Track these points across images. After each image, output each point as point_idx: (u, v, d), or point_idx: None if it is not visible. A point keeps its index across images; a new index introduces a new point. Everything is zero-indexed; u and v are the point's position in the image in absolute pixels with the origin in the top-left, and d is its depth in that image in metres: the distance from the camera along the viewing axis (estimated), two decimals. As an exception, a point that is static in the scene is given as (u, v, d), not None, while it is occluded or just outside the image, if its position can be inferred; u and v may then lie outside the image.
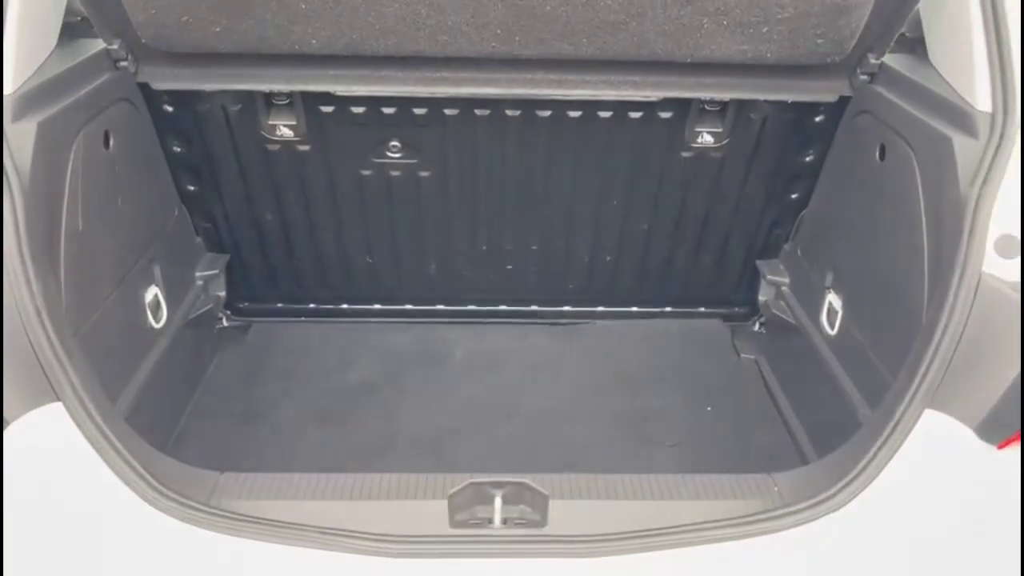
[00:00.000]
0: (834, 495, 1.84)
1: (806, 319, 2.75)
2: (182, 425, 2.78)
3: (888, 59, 2.38)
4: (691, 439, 2.79)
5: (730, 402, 2.97)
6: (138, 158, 2.48)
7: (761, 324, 3.35)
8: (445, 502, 1.86)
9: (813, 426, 2.68)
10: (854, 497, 1.84)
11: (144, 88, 2.46)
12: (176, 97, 2.57)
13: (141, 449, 1.90)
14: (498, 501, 1.91)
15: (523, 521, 1.90)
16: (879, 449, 1.84)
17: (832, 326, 2.58)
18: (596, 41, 2.24)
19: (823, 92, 2.47)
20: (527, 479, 1.90)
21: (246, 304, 3.29)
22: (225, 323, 3.32)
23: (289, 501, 1.90)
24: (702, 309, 3.34)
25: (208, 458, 2.63)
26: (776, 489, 1.97)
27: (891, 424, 1.86)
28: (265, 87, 2.45)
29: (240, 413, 2.86)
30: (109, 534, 1.83)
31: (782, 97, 2.47)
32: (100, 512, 1.84)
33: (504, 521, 1.90)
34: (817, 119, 2.64)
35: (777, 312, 2.94)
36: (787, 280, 2.96)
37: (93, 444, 1.80)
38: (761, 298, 3.06)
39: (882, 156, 2.31)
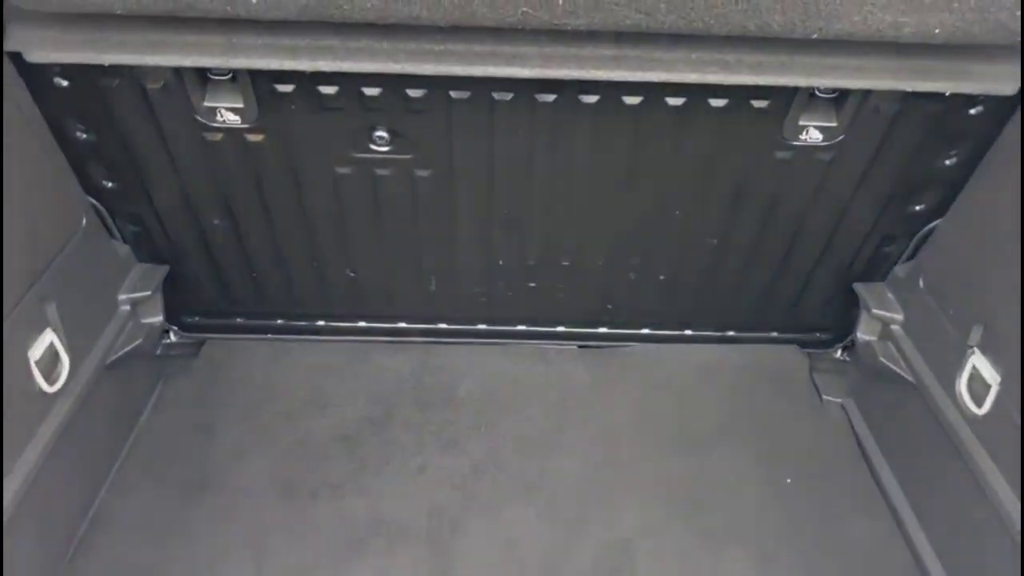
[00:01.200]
0: None
1: (932, 380, 2.05)
2: (99, 505, 2.11)
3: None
4: (768, 531, 2.13)
5: (815, 471, 2.29)
6: (10, 153, 1.74)
7: (843, 350, 2.66)
8: None
9: (938, 529, 2.01)
10: None
11: (17, 59, 1.71)
12: (70, 69, 1.82)
13: None
14: None
15: None
16: None
17: (979, 402, 1.87)
18: (682, 8, 1.47)
19: (996, 81, 1.71)
20: None
21: (197, 319, 2.59)
22: (173, 338, 2.63)
23: None
24: (774, 334, 2.63)
25: (130, 557, 2.02)
26: None
27: None
28: (189, 62, 1.68)
29: (179, 483, 2.19)
30: None
31: (939, 87, 1.71)
32: None
33: None
34: (972, 111, 1.88)
35: (885, 360, 2.23)
36: (900, 317, 2.24)
37: None
38: (861, 337, 2.34)
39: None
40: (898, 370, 2.19)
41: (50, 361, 1.88)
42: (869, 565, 2.05)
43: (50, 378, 1.86)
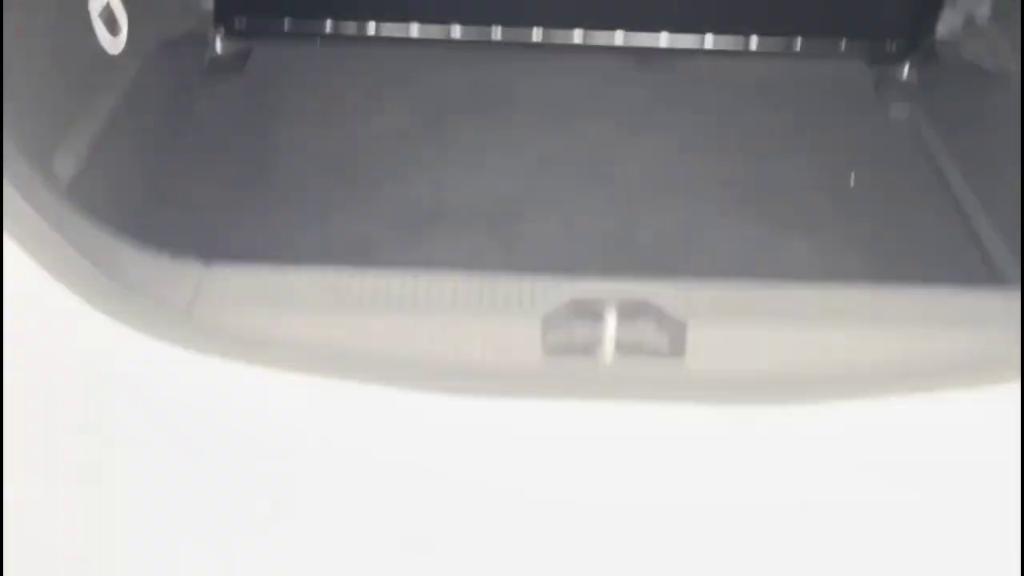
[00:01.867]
0: None
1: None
2: (155, 186, 2.11)
3: None
4: (833, 218, 2.12)
5: (880, 172, 2.26)
6: None
7: (912, 69, 2.57)
8: (537, 322, 1.22)
9: (1011, 224, 1.99)
10: None
11: None
12: None
13: (92, 237, 1.23)
14: (611, 321, 1.28)
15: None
16: None
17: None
18: None
19: None
20: (649, 290, 1.25)
21: (243, 20, 2.52)
22: (218, 49, 2.56)
23: (305, 316, 1.26)
24: (843, 43, 2.53)
25: (195, 224, 2.00)
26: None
27: None
28: None
29: (236, 169, 2.18)
30: (54, 356, 1.21)
31: None
32: (39, 329, 1.20)
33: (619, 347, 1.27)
34: None
35: (969, 57, 2.13)
36: (987, 7, 2.12)
37: (20, 241, 1.13)
38: (941, 32, 2.23)
39: None
40: (983, 64, 2.09)
41: (108, 20, 1.81)
42: (935, 252, 2.05)
43: (111, 38, 1.80)
